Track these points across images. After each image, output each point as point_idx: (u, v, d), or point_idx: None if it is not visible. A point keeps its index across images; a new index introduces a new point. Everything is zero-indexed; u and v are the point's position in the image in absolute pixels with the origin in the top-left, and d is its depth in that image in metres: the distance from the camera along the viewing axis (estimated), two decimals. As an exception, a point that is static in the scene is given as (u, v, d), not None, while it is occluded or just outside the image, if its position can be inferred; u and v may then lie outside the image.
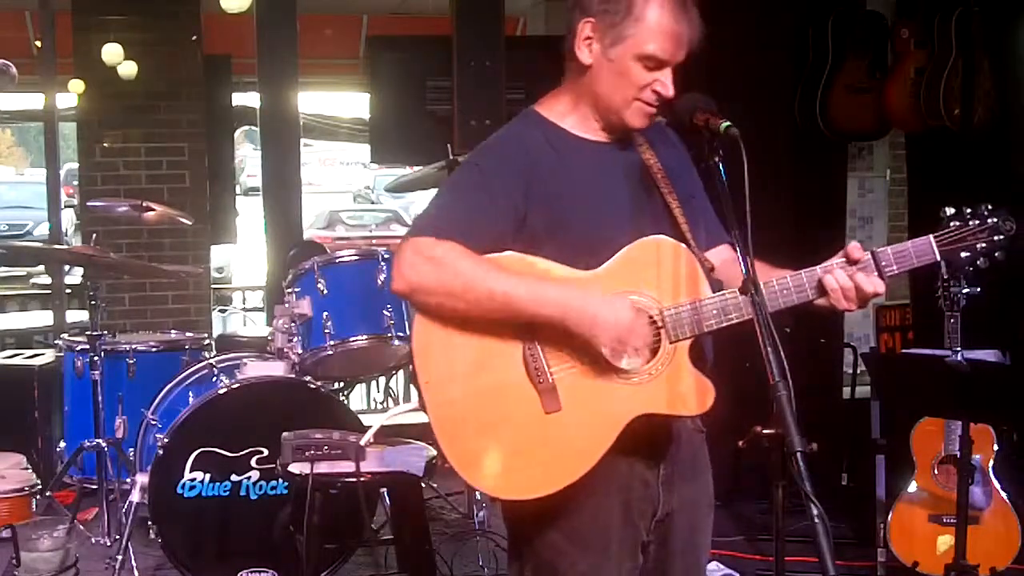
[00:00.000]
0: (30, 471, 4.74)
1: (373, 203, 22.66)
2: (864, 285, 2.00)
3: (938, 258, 2.04)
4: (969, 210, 2.05)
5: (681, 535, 2.17)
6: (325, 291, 3.94)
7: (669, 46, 2.01)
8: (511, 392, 1.98)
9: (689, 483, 2.18)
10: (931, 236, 2.04)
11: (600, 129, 2.12)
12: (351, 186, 25.52)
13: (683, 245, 2.05)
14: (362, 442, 3.07)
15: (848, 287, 2.00)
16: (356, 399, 6.38)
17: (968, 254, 2.05)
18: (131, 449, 4.25)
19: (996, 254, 2.05)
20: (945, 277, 3.41)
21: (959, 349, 3.46)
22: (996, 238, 2.04)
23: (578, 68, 2.09)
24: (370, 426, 3.16)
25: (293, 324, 3.97)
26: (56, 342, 5.17)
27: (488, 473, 1.98)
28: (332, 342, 3.91)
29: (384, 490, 3.79)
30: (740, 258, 1.90)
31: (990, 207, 2.05)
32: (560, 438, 1.98)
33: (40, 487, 4.67)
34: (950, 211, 2.06)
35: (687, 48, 2.04)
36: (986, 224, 2.04)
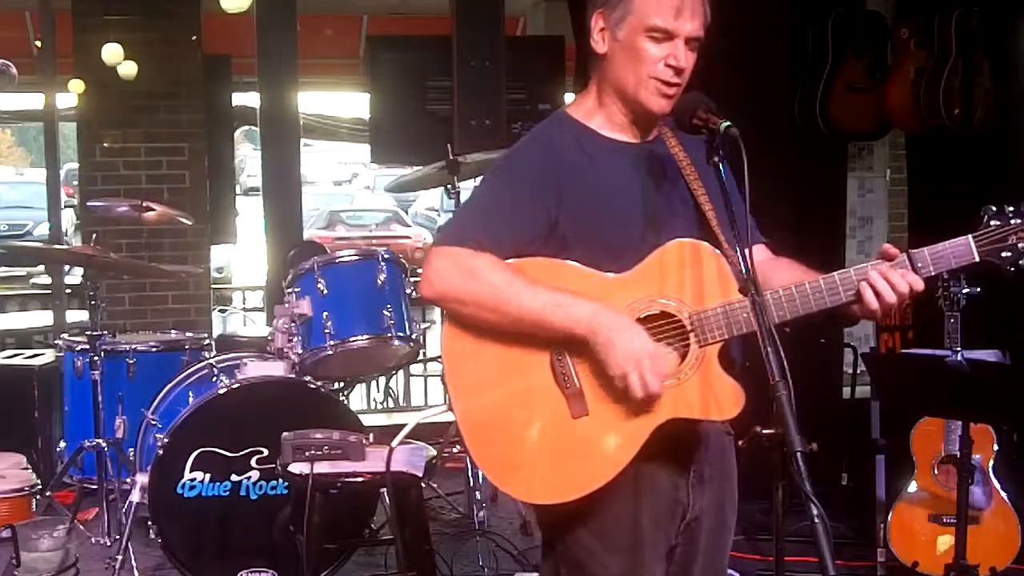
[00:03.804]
0: (30, 471, 4.76)
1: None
2: (899, 284, 1.95)
3: (977, 259, 1.97)
4: (1011, 208, 1.97)
5: (706, 537, 2.17)
6: (325, 291, 3.94)
7: (670, 14, 2.00)
8: (539, 397, 1.99)
9: (716, 486, 2.18)
10: (970, 236, 1.98)
11: (628, 124, 2.12)
12: (351, 186, 25.54)
13: (714, 248, 2.04)
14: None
15: (886, 293, 1.96)
16: (356, 399, 6.39)
17: (1009, 254, 1.97)
18: (131, 449, 4.25)
19: None
20: (945, 277, 3.40)
21: (959, 349, 3.46)
22: None
23: (597, 62, 2.11)
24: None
25: (293, 324, 3.97)
26: (56, 342, 5.17)
27: (518, 478, 2.00)
28: (332, 342, 3.91)
29: (384, 490, 3.79)
30: (740, 257, 1.90)
31: None
32: (588, 443, 1.98)
33: (40, 487, 4.68)
34: (991, 210, 1.98)
35: (696, 21, 2.02)
36: None
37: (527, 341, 2.00)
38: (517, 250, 2.01)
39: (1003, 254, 1.97)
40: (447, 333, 2.04)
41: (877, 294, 1.96)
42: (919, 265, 1.98)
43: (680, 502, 2.12)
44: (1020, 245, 1.96)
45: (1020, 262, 1.97)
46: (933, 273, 1.98)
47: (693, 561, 2.17)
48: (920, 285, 1.97)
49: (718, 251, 2.04)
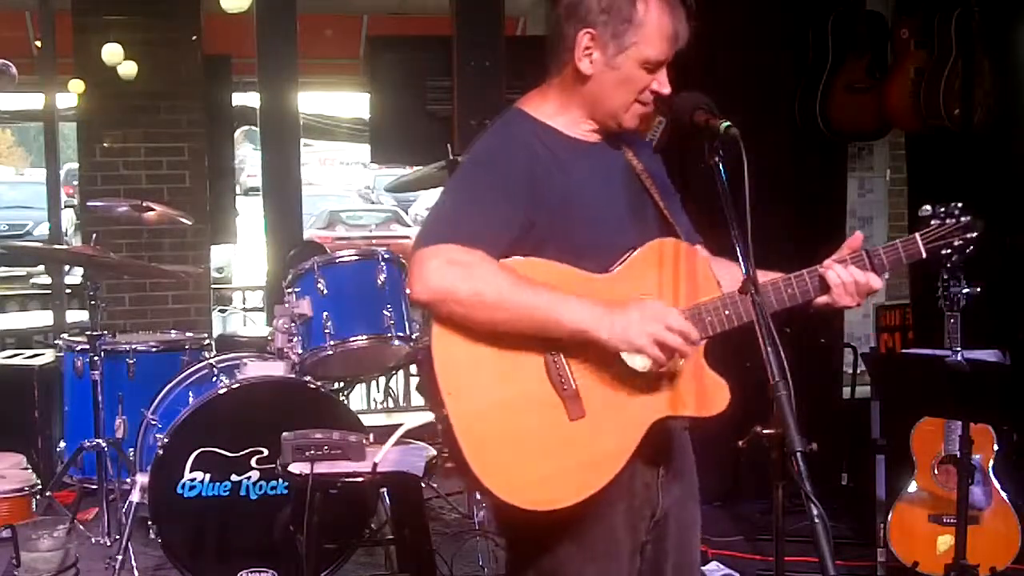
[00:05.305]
0: (30, 471, 4.76)
1: (373, 203, 22.69)
2: (859, 277, 2.08)
3: (924, 254, 2.13)
4: (943, 209, 2.15)
5: (673, 533, 2.18)
6: (325, 291, 3.94)
7: (668, 47, 2.03)
8: (536, 400, 1.95)
9: (679, 481, 2.19)
10: (918, 234, 2.14)
11: (590, 130, 2.12)
12: (351, 186, 25.55)
13: (697, 246, 2.06)
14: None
15: (848, 281, 2.07)
16: (356, 399, 6.39)
17: (948, 251, 2.15)
18: (131, 449, 4.25)
19: (968, 251, 2.15)
20: (945, 277, 3.41)
21: (959, 349, 3.46)
22: (969, 235, 2.14)
23: (574, 77, 2.08)
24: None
25: (293, 324, 3.97)
26: (56, 342, 5.17)
27: (518, 484, 1.93)
28: (332, 342, 3.91)
29: (384, 490, 3.79)
30: (740, 258, 1.90)
31: (960, 206, 2.15)
32: (586, 445, 1.95)
33: (40, 487, 4.68)
34: (927, 209, 2.17)
35: (680, 44, 2.06)
36: (959, 223, 2.14)
37: (519, 343, 1.95)
38: (498, 250, 1.95)
39: (943, 251, 2.15)
40: (438, 338, 1.94)
41: (845, 288, 2.07)
42: (875, 260, 2.10)
43: (650, 501, 2.12)
44: (955, 243, 2.14)
45: (954, 259, 2.16)
46: (887, 267, 2.11)
47: (665, 559, 2.17)
48: (877, 284, 2.10)
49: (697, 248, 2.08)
